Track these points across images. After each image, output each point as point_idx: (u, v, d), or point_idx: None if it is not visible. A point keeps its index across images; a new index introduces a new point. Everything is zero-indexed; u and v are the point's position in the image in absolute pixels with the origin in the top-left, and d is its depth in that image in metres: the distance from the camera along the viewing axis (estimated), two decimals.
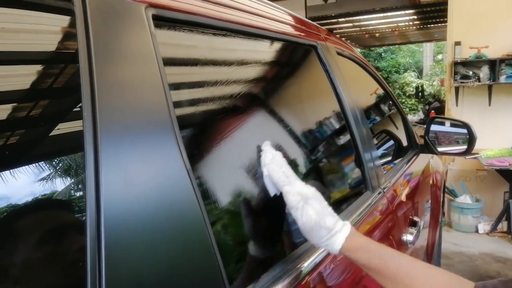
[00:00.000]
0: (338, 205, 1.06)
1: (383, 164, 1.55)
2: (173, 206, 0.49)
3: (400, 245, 1.26)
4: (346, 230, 0.67)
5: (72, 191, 0.44)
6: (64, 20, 0.47)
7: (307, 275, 0.72)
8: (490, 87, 4.14)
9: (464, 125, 1.88)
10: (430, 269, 0.67)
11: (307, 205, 0.66)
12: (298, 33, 1.12)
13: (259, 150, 0.71)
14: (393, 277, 0.65)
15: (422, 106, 11.76)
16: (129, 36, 0.53)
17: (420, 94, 12.79)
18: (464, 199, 3.97)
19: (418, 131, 2.17)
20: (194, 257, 0.50)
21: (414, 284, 0.64)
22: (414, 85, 13.05)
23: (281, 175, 0.67)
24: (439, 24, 9.30)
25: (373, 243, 0.70)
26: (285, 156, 0.82)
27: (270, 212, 0.74)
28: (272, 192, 0.68)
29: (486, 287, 0.61)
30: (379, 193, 1.23)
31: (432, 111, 9.14)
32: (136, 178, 0.46)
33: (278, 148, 0.90)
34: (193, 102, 0.70)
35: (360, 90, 1.66)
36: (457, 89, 4.28)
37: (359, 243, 0.68)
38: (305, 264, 0.73)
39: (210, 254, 0.52)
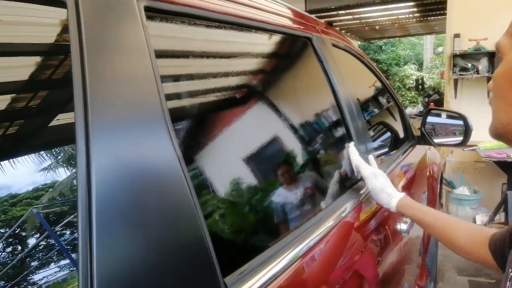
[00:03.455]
0: (334, 194, 1.07)
1: (378, 156, 1.56)
2: (165, 194, 0.50)
3: (395, 234, 1.27)
4: (400, 196, 1.04)
5: (64, 182, 0.45)
6: (56, 11, 0.48)
7: (299, 259, 0.74)
8: (488, 79, 4.14)
9: (460, 117, 1.89)
10: (458, 221, 0.94)
11: (375, 178, 1.07)
12: (293, 25, 1.13)
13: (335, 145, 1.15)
14: (431, 225, 0.96)
15: (422, 99, 11.74)
16: (121, 28, 0.54)
17: (420, 86, 12.76)
18: (462, 190, 3.99)
19: (417, 123, 2.18)
20: (186, 242, 0.51)
21: (446, 230, 0.92)
22: (414, 77, 13.02)
23: (359, 159, 1.11)
24: (439, 17, 9.25)
25: (418, 204, 1.03)
26: (281, 147, 0.84)
27: (264, 199, 0.76)
28: (351, 172, 1.13)
29: (497, 235, 0.80)
30: None
31: (432, 103, 9.12)
32: (128, 168, 0.47)
33: (274, 140, 0.92)
34: (185, 94, 0.71)
35: (356, 82, 1.67)
36: (456, 81, 4.28)
37: (408, 203, 1.02)
38: (297, 249, 0.74)
39: (201, 239, 0.53)
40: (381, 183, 1.06)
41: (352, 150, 1.13)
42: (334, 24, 9.32)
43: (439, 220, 0.95)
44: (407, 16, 9.76)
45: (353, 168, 1.12)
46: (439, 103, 8.41)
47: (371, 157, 1.17)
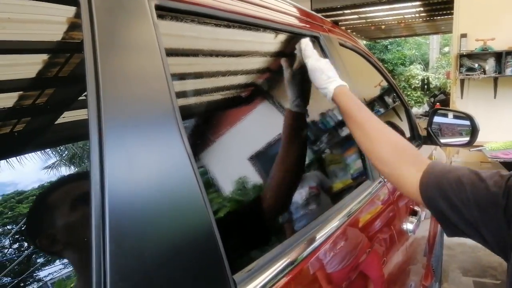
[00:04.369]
0: (339, 193, 1.07)
1: None
2: (176, 192, 0.51)
3: (401, 234, 1.27)
4: (340, 82, 0.88)
5: (78, 178, 0.46)
6: (70, 10, 0.49)
7: (306, 258, 0.74)
8: (495, 80, 4.12)
9: (467, 117, 1.88)
10: (392, 133, 0.80)
11: (318, 60, 0.90)
12: (301, 23, 1.13)
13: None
14: (363, 125, 0.81)
15: (428, 99, 11.69)
16: (132, 26, 0.55)
17: (425, 86, 12.72)
18: None
19: (423, 123, 2.17)
20: (196, 239, 0.52)
21: (371, 132, 0.80)
22: (420, 77, 12.98)
23: (309, 49, 0.93)
24: (446, 16, 9.22)
25: (356, 98, 0.87)
26: (289, 146, 0.84)
27: (272, 197, 0.76)
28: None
29: (437, 163, 0.71)
30: (380, 182, 1.24)
31: (437, 103, 9.09)
32: (140, 165, 0.47)
33: (280, 139, 0.92)
34: (196, 92, 0.71)
35: (363, 81, 1.67)
36: (462, 81, 4.26)
37: (348, 92, 0.87)
38: (304, 248, 0.75)
39: (211, 237, 0.53)
40: (323, 65, 0.90)
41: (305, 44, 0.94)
42: (339, 23, 9.30)
43: (370, 122, 0.81)
44: (413, 15, 9.73)
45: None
46: (445, 103, 8.38)
47: (326, 61, 0.95)
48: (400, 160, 0.74)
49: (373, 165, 0.80)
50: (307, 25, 1.17)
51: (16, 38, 0.46)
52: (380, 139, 0.78)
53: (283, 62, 0.96)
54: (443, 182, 0.66)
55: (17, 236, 0.41)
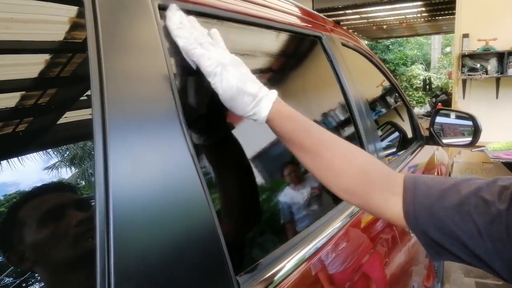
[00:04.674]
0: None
1: (387, 155, 1.56)
2: (179, 192, 0.51)
3: (403, 235, 1.27)
4: (273, 96, 0.61)
5: (82, 177, 0.46)
6: (74, 10, 0.49)
7: (308, 259, 0.74)
8: (497, 80, 4.12)
9: (469, 117, 1.88)
10: (352, 150, 0.63)
11: (226, 71, 0.58)
12: (303, 23, 1.13)
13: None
14: (315, 151, 0.61)
15: (429, 99, 11.68)
16: (136, 26, 0.55)
17: (427, 87, 12.70)
18: None
19: (424, 123, 2.17)
20: (199, 240, 0.52)
21: (334, 161, 0.61)
22: (421, 77, 12.96)
23: (191, 40, 0.58)
24: (448, 16, 9.20)
25: (299, 114, 0.64)
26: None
27: (274, 198, 0.76)
28: (193, 65, 0.60)
29: (417, 182, 0.58)
30: None
31: (439, 103, 9.08)
32: (143, 165, 0.47)
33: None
34: (199, 92, 0.71)
35: (365, 81, 1.67)
36: (464, 81, 4.25)
37: (287, 110, 0.62)
38: (306, 249, 0.75)
39: (215, 237, 0.53)
40: (237, 78, 0.60)
41: (174, 19, 0.59)
42: (341, 23, 9.30)
43: (329, 151, 0.62)
44: (415, 15, 9.72)
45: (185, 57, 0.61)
46: (447, 103, 8.37)
47: (214, 31, 0.64)
48: (370, 188, 0.60)
49: (338, 196, 0.63)
50: (309, 25, 1.17)
51: (21, 38, 0.46)
52: (343, 168, 0.61)
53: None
54: (437, 211, 0.55)
55: (19, 236, 0.41)
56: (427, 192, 0.57)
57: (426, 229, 0.55)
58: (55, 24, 0.49)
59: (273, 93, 0.62)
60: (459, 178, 0.57)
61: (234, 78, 0.59)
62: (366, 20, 10.17)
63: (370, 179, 0.60)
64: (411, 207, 0.57)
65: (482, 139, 1.97)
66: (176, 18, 0.58)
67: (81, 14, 0.48)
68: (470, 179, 0.57)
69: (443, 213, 0.54)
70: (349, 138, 1.22)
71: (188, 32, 0.59)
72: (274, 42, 1.01)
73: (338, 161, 0.61)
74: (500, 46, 3.95)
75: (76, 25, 0.49)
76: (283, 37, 1.03)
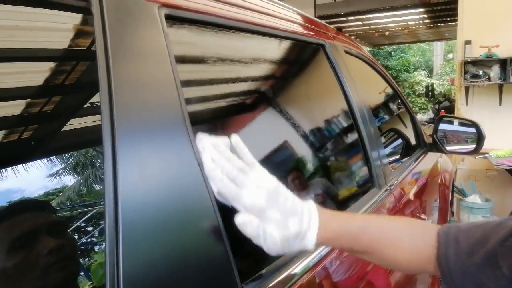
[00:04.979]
0: (345, 201, 1.07)
1: (390, 162, 1.56)
2: (186, 199, 0.51)
3: None
4: (314, 226, 0.59)
5: (92, 182, 0.47)
6: (83, 19, 0.50)
7: (312, 268, 0.74)
8: (500, 87, 4.11)
9: (473, 124, 1.88)
10: (396, 231, 0.65)
11: (266, 223, 0.55)
12: (307, 31, 1.14)
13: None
14: (366, 251, 0.63)
15: (432, 106, 11.67)
16: (143, 35, 0.55)
17: (430, 93, 12.69)
18: (474, 198, 3.94)
19: (427, 130, 2.17)
20: (206, 246, 0.52)
21: (384, 255, 0.63)
22: (424, 84, 12.97)
23: (225, 182, 0.55)
24: (450, 23, 9.23)
25: (342, 224, 0.63)
26: (294, 153, 0.82)
27: None
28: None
29: (450, 230, 0.60)
30: (386, 190, 1.24)
31: (442, 110, 9.07)
32: (151, 170, 0.48)
33: (287, 145, 0.92)
34: (204, 99, 0.72)
35: (368, 89, 1.67)
36: (467, 88, 4.25)
37: (330, 232, 0.61)
38: (311, 256, 0.75)
39: (221, 244, 0.53)
40: (277, 228, 0.56)
41: (205, 156, 0.56)
42: (343, 30, 9.33)
43: (381, 246, 0.64)
44: (417, 22, 9.75)
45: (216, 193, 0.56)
46: (450, 110, 8.36)
47: (236, 140, 0.59)
48: (423, 261, 0.62)
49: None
50: (313, 33, 1.18)
51: (31, 46, 0.47)
52: (395, 256, 0.63)
53: None
54: (469, 268, 0.55)
55: (28, 238, 0.41)
56: (457, 251, 0.57)
57: None
58: (64, 32, 0.50)
59: (315, 222, 0.59)
60: (489, 224, 0.57)
61: (276, 231, 0.56)
62: (368, 27, 10.21)
63: (421, 256, 0.62)
64: (446, 269, 0.57)
65: (486, 146, 1.96)
66: (207, 157, 0.56)
67: (90, 24, 0.48)
68: (499, 225, 0.56)
69: (475, 269, 0.54)
70: (353, 145, 1.22)
71: (221, 170, 0.55)
72: (277, 50, 1.02)
73: (389, 252, 0.63)
74: (502, 53, 3.95)
75: (85, 34, 0.50)
76: (287, 45, 1.04)
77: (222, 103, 0.77)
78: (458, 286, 0.56)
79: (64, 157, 0.45)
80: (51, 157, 0.43)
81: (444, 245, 0.58)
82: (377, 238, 0.63)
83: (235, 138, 0.59)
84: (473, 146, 1.87)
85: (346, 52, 1.39)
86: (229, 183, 0.55)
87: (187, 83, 0.64)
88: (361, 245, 0.63)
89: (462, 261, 0.55)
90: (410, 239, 0.64)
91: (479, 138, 1.83)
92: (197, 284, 0.49)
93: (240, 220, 0.54)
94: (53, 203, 0.43)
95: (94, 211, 0.46)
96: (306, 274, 0.70)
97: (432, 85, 12.87)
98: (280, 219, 0.56)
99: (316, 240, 0.58)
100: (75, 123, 0.47)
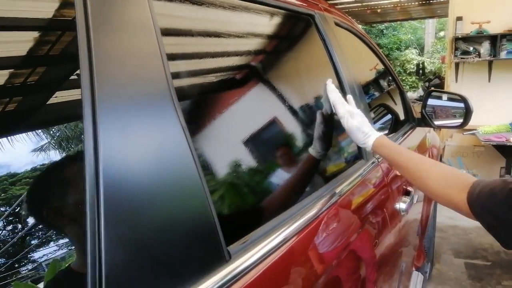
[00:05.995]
0: (332, 171, 1.08)
1: None
2: (172, 168, 0.51)
3: (393, 215, 1.29)
4: (376, 135, 0.99)
5: (72, 157, 0.46)
6: None
7: (297, 233, 0.75)
8: (490, 63, 4.13)
9: (461, 98, 1.89)
10: (433, 165, 0.89)
11: (351, 117, 0.99)
12: (295, 1, 1.12)
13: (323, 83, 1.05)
14: (407, 168, 0.91)
15: (422, 84, 11.69)
16: (127, 5, 0.53)
17: (420, 71, 12.70)
18: None
19: (417, 107, 2.18)
20: (191, 210, 0.52)
21: (421, 173, 0.88)
22: (415, 62, 12.94)
23: (337, 96, 1.02)
24: (442, 0, 9.14)
25: (394, 144, 0.99)
26: (282, 128, 0.83)
27: (267, 175, 0.76)
28: (328, 109, 1.03)
29: (480, 186, 0.75)
30: (373, 162, 1.25)
31: (432, 88, 9.11)
32: (135, 142, 0.47)
33: (275, 120, 0.92)
34: (190, 72, 0.71)
35: (358, 62, 1.66)
36: (457, 65, 4.26)
37: (384, 143, 0.97)
38: (296, 224, 0.76)
39: (206, 208, 0.54)
40: (358, 122, 0.99)
41: (330, 87, 1.04)
42: (336, 7, 9.20)
43: (413, 162, 0.91)
44: None
45: (331, 106, 1.02)
46: (440, 87, 8.39)
47: (349, 96, 1.08)
48: (451, 191, 0.81)
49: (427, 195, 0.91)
50: (303, 3, 1.16)
51: (5, 15, 0.45)
52: (428, 176, 0.86)
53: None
54: (495, 207, 0.70)
55: (16, 211, 0.41)
56: (482, 193, 0.73)
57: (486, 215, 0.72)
58: (44, 1, 0.48)
59: (377, 134, 0.99)
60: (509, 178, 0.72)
61: (355, 121, 1.00)
62: (360, 4, 10.08)
63: (451, 184, 0.82)
64: (473, 192, 0.75)
65: (474, 122, 1.98)
66: (331, 85, 1.05)
67: None
68: None
69: (499, 205, 0.69)
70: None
71: (337, 95, 1.02)
72: (265, 20, 1.00)
73: (422, 172, 0.88)
74: (493, 29, 3.95)
75: (65, 3, 0.48)
76: (275, 14, 1.02)
77: (207, 75, 0.76)
78: (478, 202, 0.73)
79: (43, 132, 0.44)
80: (28, 132, 0.42)
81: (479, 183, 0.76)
82: (417, 163, 0.90)
83: (349, 96, 1.10)
84: (461, 120, 1.88)
85: (337, 25, 1.37)
86: (342, 101, 1.02)
87: (172, 56, 0.63)
88: (404, 162, 0.92)
89: (488, 203, 0.71)
90: (443, 171, 0.86)
91: (467, 112, 1.84)
92: (182, 248, 0.49)
93: (339, 106, 1.00)
94: (31, 179, 0.42)
95: (74, 182, 0.45)
96: (289, 240, 0.71)
97: (423, 63, 12.86)
98: (361, 121, 1.00)
99: (373, 142, 0.98)
100: (54, 96, 0.46)
